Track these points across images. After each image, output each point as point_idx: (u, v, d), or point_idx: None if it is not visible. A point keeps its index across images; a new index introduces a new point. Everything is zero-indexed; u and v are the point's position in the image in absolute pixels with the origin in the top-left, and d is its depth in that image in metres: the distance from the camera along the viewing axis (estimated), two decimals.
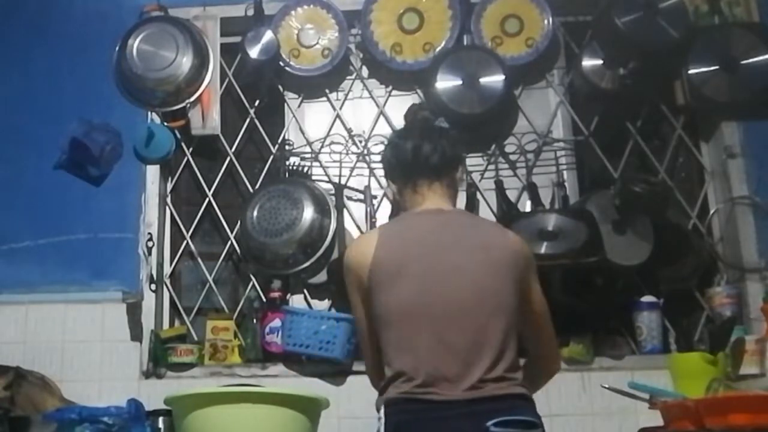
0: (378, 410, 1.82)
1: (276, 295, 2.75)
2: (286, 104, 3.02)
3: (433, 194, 1.94)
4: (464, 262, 1.83)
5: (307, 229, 2.71)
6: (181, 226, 2.94)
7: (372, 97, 2.99)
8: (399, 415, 1.76)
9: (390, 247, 1.87)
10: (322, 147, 2.95)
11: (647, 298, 2.67)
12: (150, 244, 2.84)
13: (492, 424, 1.69)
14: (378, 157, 2.90)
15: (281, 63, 2.90)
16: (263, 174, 2.94)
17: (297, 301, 2.85)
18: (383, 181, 2.85)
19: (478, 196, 2.83)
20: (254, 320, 2.75)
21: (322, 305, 2.83)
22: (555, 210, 2.74)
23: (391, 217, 2.76)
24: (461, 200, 2.74)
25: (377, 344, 1.90)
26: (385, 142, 2.14)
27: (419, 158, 1.94)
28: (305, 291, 2.84)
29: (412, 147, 1.95)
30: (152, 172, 2.91)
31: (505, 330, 1.81)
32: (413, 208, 1.96)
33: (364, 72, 3.03)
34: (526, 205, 2.81)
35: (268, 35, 2.85)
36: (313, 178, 2.90)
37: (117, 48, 2.89)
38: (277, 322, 2.69)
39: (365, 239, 1.97)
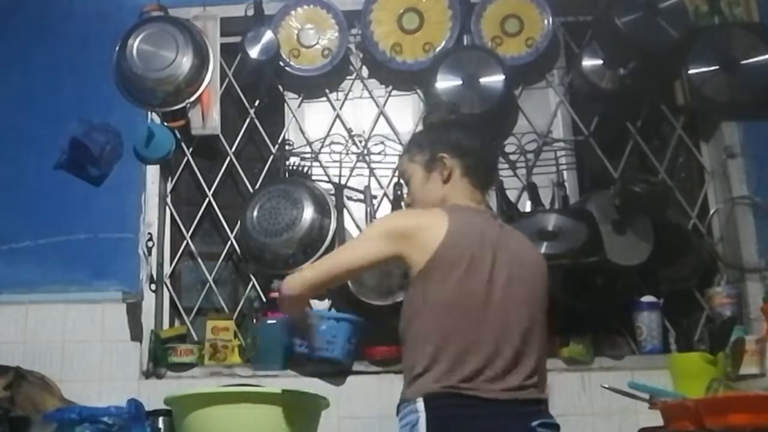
0: (410, 401, 1.77)
1: (276, 295, 2.74)
2: (286, 104, 3.01)
3: (482, 197, 2.02)
4: (522, 270, 1.89)
5: (307, 229, 2.71)
6: (181, 226, 2.94)
7: (372, 97, 2.99)
8: (444, 410, 1.74)
9: (461, 236, 1.83)
10: (322, 147, 2.95)
11: (647, 298, 2.66)
12: (150, 244, 2.84)
13: (537, 424, 1.76)
14: (378, 158, 2.91)
15: (281, 63, 2.90)
16: (263, 174, 2.94)
17: None
18: (383, 180, 2.88)
19: None
20: (254, 320, 2.75)
21: (322, 305, 2.82)
22: (555, 210, 2.74)
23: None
24: None
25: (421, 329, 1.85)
26: (460, 123, 2.12)
27: (489, 175, 2.07)
28: None
29: (490, 162, 2.10)
30: (152, 172, 2.91)
31: (542, 339, 1.88)
32: (460, 198, 1.95)
33: (364, 72, 3.03)
34: (526, 205, 2.80)
35: (268, 35, 2.85)
36: (313, 178, 2.90)
37: (117, 48, 2.89)
38: None
39: (434, 215, 1.87)
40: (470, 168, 1.97)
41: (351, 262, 1.90)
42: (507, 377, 1.78)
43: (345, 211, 2.83)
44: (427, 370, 1.78)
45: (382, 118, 2.97)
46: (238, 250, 2.88)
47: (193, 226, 2.94)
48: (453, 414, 1.73)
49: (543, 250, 2.52)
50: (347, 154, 2.93)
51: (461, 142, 1.99)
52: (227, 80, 2.99)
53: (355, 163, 2.93)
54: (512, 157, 2.88)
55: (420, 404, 1.74)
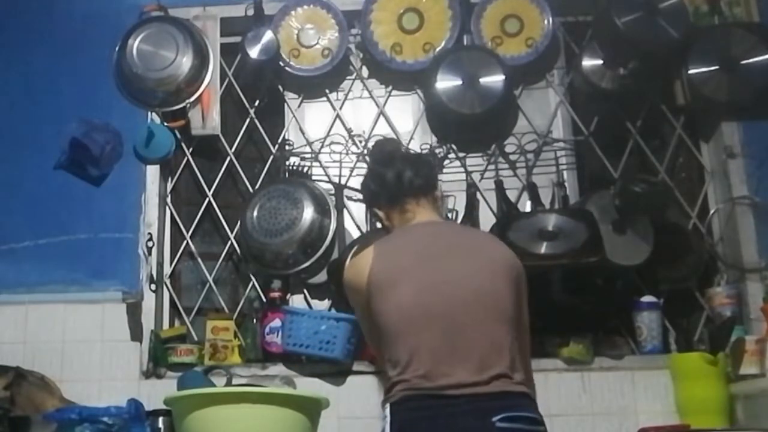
0: (384, 410, 1.85)
1: (276, 295, 2.75)
2: (286, 104, 3.02)
3: (422, 209, 2.06)
4: (460, 265, 1.90)
5: (307, 229, 2.71)
6: (181, 226, 2.94)
7: (372, 97, 2.99)
8: (404, 413, 1.80)
9: (385, 259, 1.95)
10: (322, 147, 2.95)
11: (647, 298, 2.66)
12: (150, 244, 2.84)
13: (498, 419, 1.73)
14: None
15: (281, 63, 2.90)
16: (263, 174, 2.94)
17: (297, 301, 2.85)
18: None
19: (478, 196, 2.82)
20: (254, 320, 2.75)
21: (322, 305, 2.83)
22: (555, 210, 2.74)
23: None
24: (461, 200, 2.77)
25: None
26: (364, 174, 2.29)
27: (403, 183, 2.07)
28: (305, 291, 2.84)
29: (394, 174, 2.08)
30: (152, 172, 2.91)
31: (503, 330, 1.85)
32: (404, 225, 2.06)
33: (364, 72, 3.03)
34: (526, 205, 2.80)
35: (268, 35, 2.85)
36: (313, 178, 2.90)
37: (117, 48, 2.89)
38: (277, 322, 2.68)
39: (361, 257, 2.04)
40: (384, 204, 2.11)
41: (367, 336, 2.16)
42: (464, 373, 1.79)
43: (345, 211, 2.83)
44: (391, 379, 1.87)
45: (382, 118, 2.97)
46: (238, 250, 2.88)
47: (193, 226, 2.94)
48: (412, 417, 1.79)
49: (543, 250, 2.53)
50: (347, 154, 2.93)
51: (371, 188, 2.15)
52: (227, 80, 2.99)
53: (355, 163, 2.92)
54: (512, 157, 2.88)
55: (387, 410, 1.85)
